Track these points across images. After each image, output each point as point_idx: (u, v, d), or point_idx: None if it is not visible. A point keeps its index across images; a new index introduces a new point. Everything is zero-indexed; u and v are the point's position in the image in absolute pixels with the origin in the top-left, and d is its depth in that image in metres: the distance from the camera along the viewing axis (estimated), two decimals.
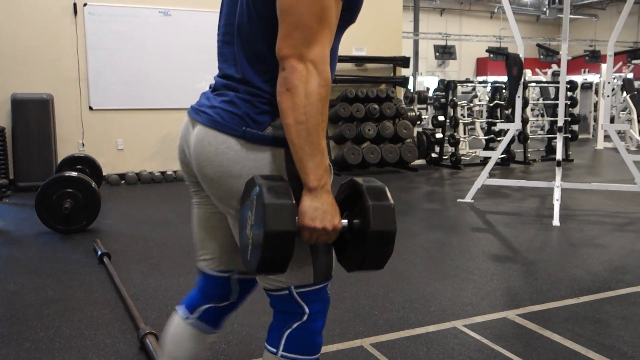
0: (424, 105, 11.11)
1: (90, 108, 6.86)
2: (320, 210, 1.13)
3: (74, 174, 4.54)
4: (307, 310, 1.27)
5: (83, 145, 6.83)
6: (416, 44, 19.58)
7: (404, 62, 8.30)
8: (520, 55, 5.55)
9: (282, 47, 1.12)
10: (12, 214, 5.21)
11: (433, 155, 8.56)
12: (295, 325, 1.27)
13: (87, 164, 5.98)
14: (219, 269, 1.47)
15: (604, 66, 10.80)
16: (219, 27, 1.34)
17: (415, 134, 8.37)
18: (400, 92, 8.57)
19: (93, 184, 4.50)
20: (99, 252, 3.66)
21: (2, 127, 6.22)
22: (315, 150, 1.12)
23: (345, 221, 1.19)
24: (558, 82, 6.42)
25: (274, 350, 1.28)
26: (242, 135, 1.20)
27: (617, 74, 13.75)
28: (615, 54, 5.50)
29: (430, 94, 12.58)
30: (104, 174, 6.43)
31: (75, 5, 6.65)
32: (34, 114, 6.34)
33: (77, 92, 6.78)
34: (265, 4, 1.18)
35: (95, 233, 4.40)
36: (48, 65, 6.61)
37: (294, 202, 1.11)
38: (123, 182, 6.93)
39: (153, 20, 7.02)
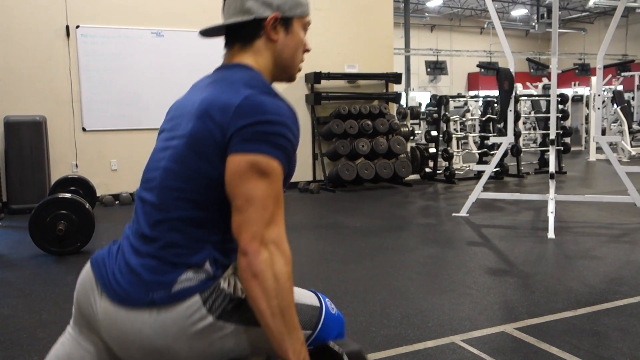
0: (416, 121, 11.18)
1: (84, 129, 6.86)
2: None
3: (68, 195, 4.52)
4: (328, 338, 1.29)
5: (77, 166, 6.81)
6: (407, 60, 19.76)
7: (395, 78, 8.36)
8: (511, 70, 5.60)
9: (240, 231, 1.11)
10: (5, 237, 5.18)
11: (427, 170, 8.59)
12: None
13: (81, 185, 5.96)
14: None
15: (593, 79, 10.90)
16: (143, 180, 1.30)
17: (408, 149, 8.40)
18: (393, 108, 8.62)
19: (87, 205, 4.48)
20: None
21: None
22: (292, 328, 1.12)
23: None
24: (549, 96, 6.48)
25: None
26: (150, 304, 1.14)
27: (607, 87, 13.88)
28: (605, 66, 5.56)
29: (423, 109, 12.66)
30: (98, 194, 6.41)
31: (67, 27, 6.67)
32: (27, 136, 6.33)
33: (70, 114, 6.78)
34: (199, 177, 1.16)
35: (89, 255, 4.34)
36: (41, 87, 6.62)
37: None
38: (117, 202, 6.90)
39: (145, 41, 7.06)
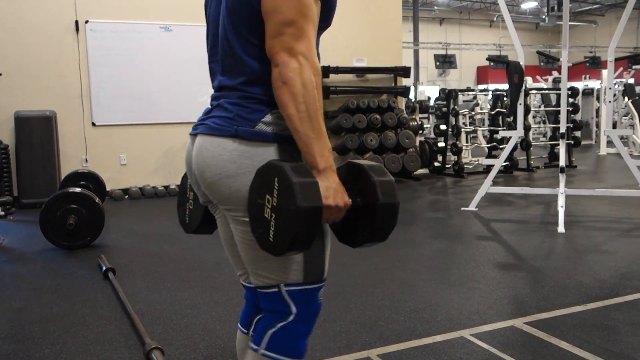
0: (425, 115, 11.14)
1: (93, 124, 6.89)
2: (331, 189, 1.19)
3: (78, 190, 4.55)
4: (293, 309, 1.31)
5: (86, 161, 6.85)
6: (416, 53, 19.66)
7: (404, 72, 8.32)
8: (521, 63, 5.56)
9: (272, 45, 1.20)
10: (16, 231, 5.22)
11: (436, 164, 8.56)
12: (279, 325, 1.31)
13: (91, 180, 5.99)
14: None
15: (604, 72, 10.81)
16: (208, 51, 1.42)
17: (417, 144, 8.37)
18: (401, 102, 8.59)
19: (97, 200, 4.51)
20: (104, 268, 3.66)
21: (5, 145, 6.24)
22: (319, 134, 1.19)
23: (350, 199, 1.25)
24: (559, 89, 6.42)
25: (256, 347, 1.33)
26: (234, 134, 1.26)
27: (618, 80, 13.77)
28: (616, 59, 5.50)
29: (432, 103, 12.60)
30: (108, 189, 6.44)
31: (77, 22, 6.70)
32: (37, 131, 6.37)
33: (80, 109, 6.81)
34: (244, 15, 1.25)
35: (99, 248, 4.40)
36: (51, 83, 6.65)
37: (317, 180, 1.17)
38: (127, 197, 6.94)
39: (154, 36, 7.07)
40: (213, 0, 1.41)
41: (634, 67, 14.41)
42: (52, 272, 3.83)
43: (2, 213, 4.77)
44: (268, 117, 1.27)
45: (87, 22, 6.74)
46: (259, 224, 1.22)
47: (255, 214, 1.23)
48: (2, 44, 6.26)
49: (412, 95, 13.05)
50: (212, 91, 1.43)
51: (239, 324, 1.59)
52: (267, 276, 1.31)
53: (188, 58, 7.08)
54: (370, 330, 2.65)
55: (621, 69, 14.05)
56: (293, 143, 1.25)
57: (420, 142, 8.62)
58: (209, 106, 1.41)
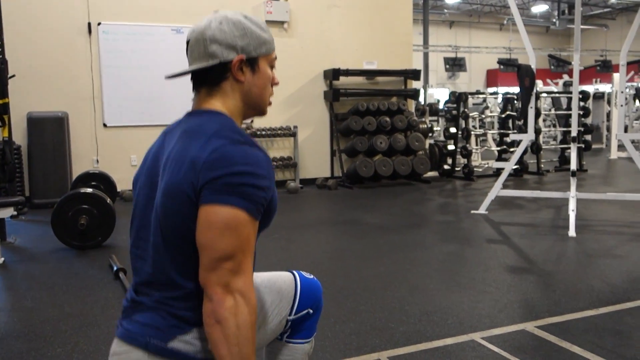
0: (435, 118, 11.11)
1: (105, 125, 6.93)
2: None
3: (89, 190, 4.58)
4: (310, 310, 1.52)
5: (97, 161, 6.89)
6: (426, 56, 19.62)
7: (414, 74, 8.32)
8: (532, 66, 5.54)
9: (206, 278, 1.13)
10: (28, 231, 5.26)
11: (445, 167, 8.54)
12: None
13: (102, 181, 6.03)
14: None
15: (616, 75, 10.74)
16: (133, 237, 1.32)
17: (427, 146, 8.35)
18: (411, 105, 8.58)
19: (108, 200, 4.54)
20: (115, 268, 3.68)
21: (18, 145, 6.29)
22: None
23: None
24: (570, 93, 6.40)
25: (279, 337, 1.52)
26: (144, 347, 1.19)
27: (629, 83, 13.68)
28: (628, 63, 5.47)
29: (441, 106, 12.58)
30: (118, 189, 6.47)
31: (89, 24, 6.74)
32: (49, 132, 6.41)
33: (92, 110, 6.86)
34: (178, 230, 1.18)
35: (110, 249, 4.42)
36: (63, 84, 6.70)
37: None
38: None
39: (166, 38, 7.10)
40: (142, 178, 1.31)
41: None
42: (64, 271, 3.86)
43: (15, 213, 4.80)
44: (185, 336, 1.19)
45: (99, 24, 6.79)
46: None
47: None
48: (15, 46, 6.31)
49: (421, 98, 13.03)
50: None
51: None
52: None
53: None
54: (380, 333, 2.65)
55: (632, 72, 13.96)
56: None
57: (430, 144, 8.60)
58: (130, 301, 1.31)
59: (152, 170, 1.28)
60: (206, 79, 1.28)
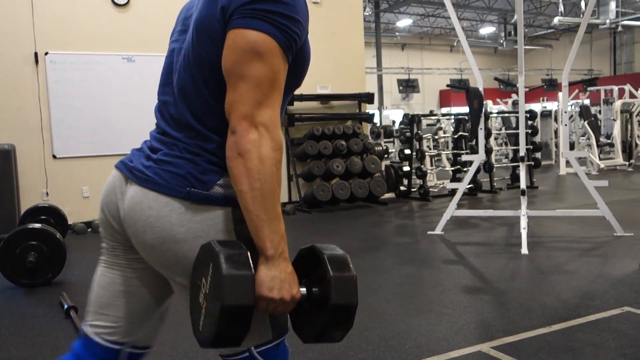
0: (390, 139, 11.28)
1: (54, 156, 6.75)
2: (278, 280, 1.08)
3: (38, 225, 4.43)
4: None
5: (47, 194, 6.69)
6: (380, 78, 20.00)
7: (368, 98, 8.44)
8: (480, 89, 5.71)
9: (231, 110, 1.09)
10: None
11: (402, 188, 8.64)
12: None
13: (52, 214, 5.85)
14: (112, 340, 1.33)
15: (560, 95, 11.17)
16: (159, 86, 1.31)
17: (383, 168, 8.46)
18: (366, 128, 8.69)
19: (58, 235, 4.40)
20: (65, 306, 3.56)
21: None
22: (272, 216, 1.08)
23: (303, 290, 1.14)
24: (518, 112, 6.60)
25: None
26: (186, 197, 1.15)
27: (575, 101, 14.22)
28: (570, 84, 5.71)
29: (396, 127, 12.78)
30: (70, 222, 6.29)
31: (36, 54, 6.60)
32: None
33: (40, 141, 6.68)
34: (208, 63, 1.16)
35: (61, 285, 4.27)
36: (9, 115, 6.51)
37: (254, 272, 1.05)
38: (90, 230, 6.79)
39: (117, 67, 7.01)
40: (177, 30, 1.31)
41: (589, 88, 14.96)
42: (11, 312, 3.70)
43: None
44: (223, 179, 1.17)
45: (46, 53, 6.65)
46: (195, 307, 1.12)
47: (193, 294, 1.13)
48: None
49: (377, 119, 13.23)
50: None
51: None
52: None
53: (151, 88, 6.97)
54: None
55: (577, 90, 14.54)
56: None
57: (386, 166, 8.71)
58: (146, 144, 1.28)
59: (186, 15, 1.27)
60: None
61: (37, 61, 6.62)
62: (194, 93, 1.18)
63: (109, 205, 1.28)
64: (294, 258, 1.20)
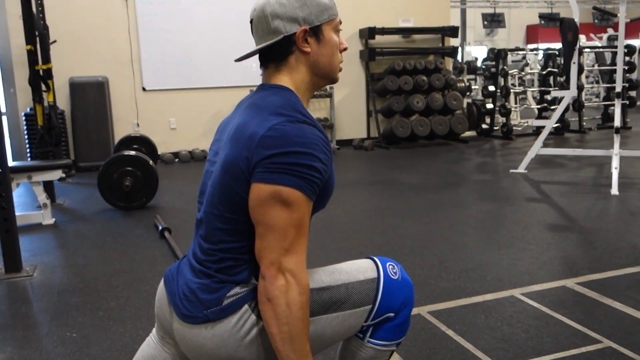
0: (473, 76, 10.90)
1: (144, 89, 7.04)
2: None
3: (133, 153, 4.70)
4: (391, 313, 1.34)
5: (138, 125, 7.04)
6: (463, 13, 19.12)
7: (452, 32, 8.13)
8: (575, 20, 5.36)
9: (261, 256, 1.17)
10: (75, 193, 5.46)
11: (484, 126, 8.41)
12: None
13: (143, 144, 6.17)
14: None
15: None
16: (198, 202, 1.37)
17: (465, 105, 8.23)
18: (449, 63, 8.42)
19: (151, 162, 4.66)
20: (160, 227, 3.81)
21: (62, 110, 6.47)
22: (301, 355, 1.16)
23: None
24: (614, 47, 6.18)
25: (361, 336, 1.36)
26: (205, 320, 1.23)
27: None
28: None
29: (479, 63, 12.30)
30: (159, 152, 6.62)
31: None
32: (90, 96, 6.56)
33: (131, 74, 6.97)
34: (229, 198, 1.21)
35: (154, 209, 4.56)
36: (102, 49, 6.81)
37: None
38: (177, 160, 7.12)
39: (200, 1, 7.10)
40: (212, 149, 1.37)
41: None
42: (112, 231, 4.01)
43: (63, 175, 4.98)
44: (233, 291, 1.24)
45: None
46: None
47: None
48: (54, 11, 6.41)
49: (459, 56, 12.76)
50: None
51: None
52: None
53: (233, 21, 7.07)
54: (420, 289, 2.70)
55: None
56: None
57: (468, 103, 8.47)
58: (188, 264, 1.35)
59: (219, 140, 1.33)
60: (272, 55, 1.27)
61: None
62: (213, 219, 1.25)
63: (161, 315, 1.37)
64: None
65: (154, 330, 1.45)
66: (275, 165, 1.14)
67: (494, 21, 20.24)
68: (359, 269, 1.35)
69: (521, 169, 5.57)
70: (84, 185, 5.82)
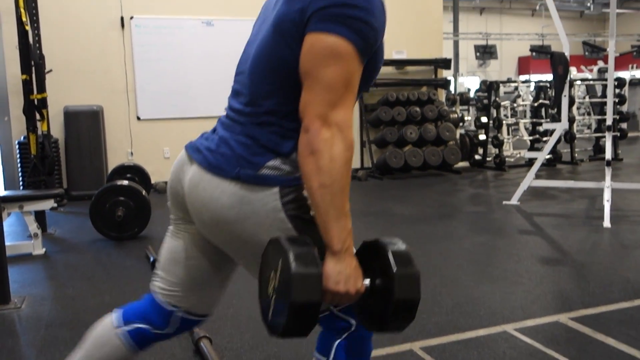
0: (466, 107, 11.00)
1: (138, 118, 7.07)
2: (343, 274, 1.11)
3: (126, 182, 4.69)
4: (353, 321, 1.30)
5: (132, 154, 7.04)
6: (456, 44, 19.38)
7: (445, 63, 8.25)
8: (566, 53, 5.45)
9: (306, 109, 1.12)
10: (67, 222, 5.42)
11: (476, 157, 8.47)
12: (344, 335, 1.31)
13: (137, 173, 6.16)
14: (167, 301, 1.44)
15: None
16: (235, 75, 1.36)
17: (458, 136, 8.29)
18: (441, 94, 8.52)
19: (144, 192, 4.64)
20: (152, 259, 3.78)
21: (55, 139, 6.46)
22: (340, 213, 1.11)
23: (367, 281, 1.17)
24: (605, 79, 6.27)
25: (324, 358, 1.32)
26: (235, 178, 1.20)
27: None
28: None
29: (472, 94, 12.42)
30: (152, 182, 6.60)
31: (122, 18, 6.87)
32: (85, 125, 6.58)
33: (126, 103, 7.00)
34: (277, 57, 1.19)
35: (146, 239, 4.53)
36: (97, 78, 6.85)
37: (320, 271, 1.10)
38: None
39: (196, 31, 7.19)
40: (257, 23, 1.35)
41: None
42: (103, 262, 3.98)
43: (55, 205, 4.95)
44: (272, 162, 1.21)
45: (132, 17, 6.91)
46: (264, 296, 1.17)
47: (262, 284, 1.18)
48: (51, 41, 6.46)
49: (452, 87, 12.91)
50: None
51: (117, 312, 1.51)
52: None
53: (229, 52, 7.10)
54: (412, 324, 2.66)
55: None
56: (295, 186, 1.21)
57: (461, 134, 8.54)
58: (213, 128, 1.36)
59: (268, 6, 1.31)
60: None
61: (123, 25, 6.89)
62: (260, 82, 1.23)
63: (175, 181, 1.37)
64: (358, 249, 1.23)
65: (170, 226, 1.46)
66: (330, 15, 1.10)
67: (486, 53, 20.58)
68: None
69: (514, 201, 5.59)
70: (76, 215, 5.79)
